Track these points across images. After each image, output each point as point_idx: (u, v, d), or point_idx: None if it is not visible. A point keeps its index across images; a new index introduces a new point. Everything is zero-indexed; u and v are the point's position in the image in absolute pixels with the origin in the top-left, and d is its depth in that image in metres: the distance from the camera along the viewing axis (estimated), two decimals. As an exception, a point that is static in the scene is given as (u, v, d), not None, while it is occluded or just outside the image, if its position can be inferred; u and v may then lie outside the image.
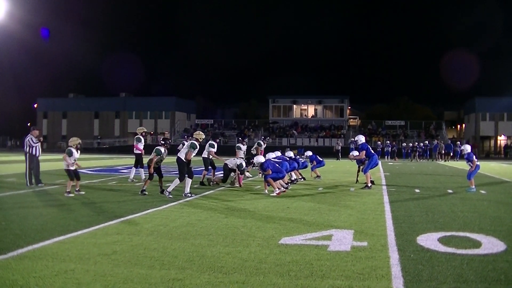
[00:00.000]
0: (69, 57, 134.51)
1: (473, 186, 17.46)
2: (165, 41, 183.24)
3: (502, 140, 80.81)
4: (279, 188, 15.74)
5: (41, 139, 18.25)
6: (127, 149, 73.08)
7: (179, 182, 15.14)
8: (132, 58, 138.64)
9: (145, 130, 21.14)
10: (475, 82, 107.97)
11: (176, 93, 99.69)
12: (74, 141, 15.70)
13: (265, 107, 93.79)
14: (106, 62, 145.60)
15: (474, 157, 17.73)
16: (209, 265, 6.70)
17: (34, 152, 17.81)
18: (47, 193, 15.79)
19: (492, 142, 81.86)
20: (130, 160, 42.55)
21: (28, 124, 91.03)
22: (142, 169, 20.03)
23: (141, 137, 20.54)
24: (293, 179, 19.77)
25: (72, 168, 15.36)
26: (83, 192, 15.50)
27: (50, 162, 33.87)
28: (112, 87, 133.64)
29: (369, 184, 18.10)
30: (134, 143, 20.58)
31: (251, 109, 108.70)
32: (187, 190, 15.00)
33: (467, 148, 18.22)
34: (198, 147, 15.45)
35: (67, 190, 15.10)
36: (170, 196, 14.56)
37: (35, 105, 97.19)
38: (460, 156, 54.75)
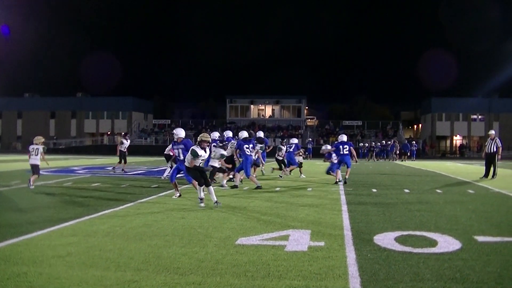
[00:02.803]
0: (25, 56, 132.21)
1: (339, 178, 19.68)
2: (122, 39, 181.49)
3: (457, 140, 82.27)
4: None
5: None
6: (84, 150, 72.44)
7: (199, 186, 13.17)
8: (88, 57, 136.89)
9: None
10: (432, 82, 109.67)
11: (133, 92, 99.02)
12: (40, 139, 17.87)
13: (223, 107, 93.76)
14: (63, 61, 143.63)
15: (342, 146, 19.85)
16: (165, 266, 6.63)
17: None
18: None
19: (448, 142, 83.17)
20: (87, 161, 42.15)
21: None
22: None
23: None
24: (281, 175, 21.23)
25: (38, 163, 17.37)
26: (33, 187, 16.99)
27: (5, 164, 33.25)
28: (68, 86, 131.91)
29: (340, 179, 19.82)
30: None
31: (209, 108, 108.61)
32: (214, 198, 12.87)
33: (343, 138, 20.45)
34: (199, 154, 12.99)
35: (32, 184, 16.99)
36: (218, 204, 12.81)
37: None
38: (416, 155, 55.63)
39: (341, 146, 19.96)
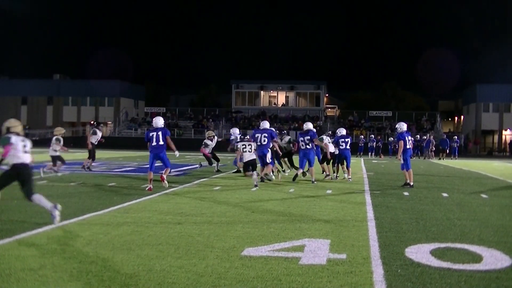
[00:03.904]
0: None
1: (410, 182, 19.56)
2: (108, 14, 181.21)
3: (507, 135, 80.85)
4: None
5: None
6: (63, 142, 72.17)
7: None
8: (68, 33, 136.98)
9: (214, 134, 26.72)
10: (476, 66, 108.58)
11: (121, 76, 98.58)
12: (60, 130, 21.81)
13: (226, 94, 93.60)
14: (37, 37, 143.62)
15: (408, 137, 19.48)
16: (157, 281, 6.62)
17: None
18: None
19: (496, 137, 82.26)
20: (65, 155, 42.12)
21: None
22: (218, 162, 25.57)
23: (208, 142, 25.76)
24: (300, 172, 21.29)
25: (57, 154, 21.38)
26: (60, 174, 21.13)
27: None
28: (44, 67, 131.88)
29: (411, 183, 19.74)
30: (202, 148, 25.72)
31: (210, 95, 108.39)
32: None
33: (402, 127, 19.90)
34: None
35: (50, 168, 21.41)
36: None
37: None
38: (459, 152, 55.26)
39: (407, 138, 19.73)
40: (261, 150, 19.76)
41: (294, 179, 20.37)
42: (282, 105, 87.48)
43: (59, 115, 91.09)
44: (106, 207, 12.94)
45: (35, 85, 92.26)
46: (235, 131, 25.53)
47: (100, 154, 26.42)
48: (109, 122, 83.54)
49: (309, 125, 20.71)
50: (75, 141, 71.39)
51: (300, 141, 20.38)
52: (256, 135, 20.07)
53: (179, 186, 18.10)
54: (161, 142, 17.18)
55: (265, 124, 20.58)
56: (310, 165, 20.46)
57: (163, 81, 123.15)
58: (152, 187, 16.94)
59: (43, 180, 19.86)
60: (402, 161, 19.55)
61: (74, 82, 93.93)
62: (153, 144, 17.23)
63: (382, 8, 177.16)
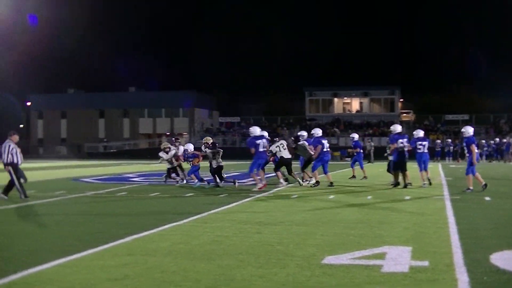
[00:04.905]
0: (68, 46, 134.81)
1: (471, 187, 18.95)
2: (178, 25, 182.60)
3: None
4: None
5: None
6: (139, 154, 73.28)
7: None
8: (141, 46, 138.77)
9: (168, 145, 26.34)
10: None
11: (191, 86, 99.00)
12: (164, 145, 24.54)
13: (297, 101, 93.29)
14: (112, 51, 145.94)
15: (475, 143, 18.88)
16: (239, 291, 6.62)
17: (15, 161, 17.31)
18: (40, 207, 15.82)
19: None
20: (143, 166, 42.78)
21: (21, 126, 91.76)
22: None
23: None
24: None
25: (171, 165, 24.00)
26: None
27: (48, 171, 34.09)
28: (119, 80, 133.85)
29: (471, 187, 19.21)
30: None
31: (280, 103, 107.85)
32: None
33: (469, 130, 19.16)
34: None
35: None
36: None
37: (28, 103, 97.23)
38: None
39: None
40: (327, 156, 21.89)
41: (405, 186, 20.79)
42: (356, 111, 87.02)
43: (135, 127, 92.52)
44: (185, 217, 13.01)
45: (112, 98, 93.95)
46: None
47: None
48: (185, 133, 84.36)
49: (397, 128, 21.48)
50: (152, 152, 72.25)
51: (400, 143, 20.48)
52: (323, 141, 21.70)
53: (256, 195, 18.13)
54: (266, 148, 20.42)
55: (319, 131, 22.42)
56: (401, 169, 20.80)
57: (232, 89, 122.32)
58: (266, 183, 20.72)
59: (123, 191, 20.13)
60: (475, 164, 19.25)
61: (149, 94, 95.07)
62: (260, 150, 20.40)
63: (450, 9, 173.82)
